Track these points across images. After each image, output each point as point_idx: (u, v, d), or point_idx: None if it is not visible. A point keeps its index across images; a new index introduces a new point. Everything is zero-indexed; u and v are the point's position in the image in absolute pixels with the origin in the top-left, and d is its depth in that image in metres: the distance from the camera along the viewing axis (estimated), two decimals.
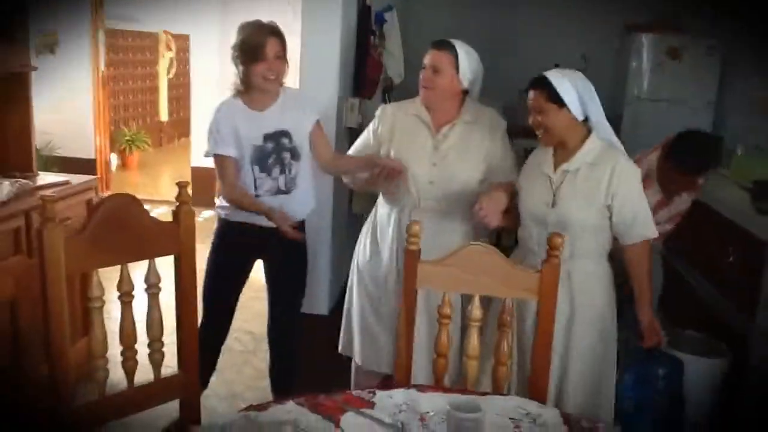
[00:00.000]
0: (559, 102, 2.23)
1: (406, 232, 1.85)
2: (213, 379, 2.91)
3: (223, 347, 2.95)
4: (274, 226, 2.58)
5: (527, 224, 2.37)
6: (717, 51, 5.32)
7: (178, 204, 1.90)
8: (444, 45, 2.55)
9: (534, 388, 1.81)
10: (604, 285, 2.33)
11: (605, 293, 2.33)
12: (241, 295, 2.87)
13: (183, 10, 7.79)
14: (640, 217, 2.26)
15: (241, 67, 2.57)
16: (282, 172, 2.64)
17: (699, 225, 3.82)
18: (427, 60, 2.53)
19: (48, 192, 2.81)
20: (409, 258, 1.83)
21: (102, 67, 6.81)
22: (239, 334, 3.87)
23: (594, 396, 2.32)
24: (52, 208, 1.65)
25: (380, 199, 2.75)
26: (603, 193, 2.23)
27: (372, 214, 2.80)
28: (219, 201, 2.72)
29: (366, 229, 2.80)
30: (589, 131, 2.30)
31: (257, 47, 2.51)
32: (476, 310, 1.82)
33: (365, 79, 3.42)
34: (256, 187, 2.63)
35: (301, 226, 2.75)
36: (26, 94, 3.10)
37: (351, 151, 2.79)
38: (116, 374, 1.87)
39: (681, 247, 4.19)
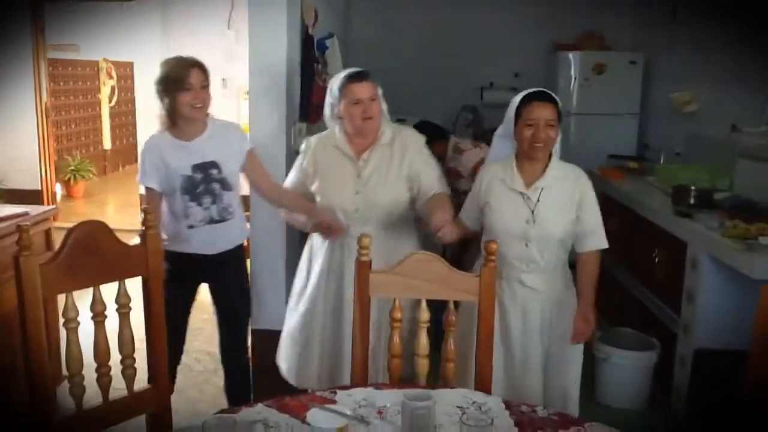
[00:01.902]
0: (560, 119, 2.41)
1: (358, 244, 2.01)
2: (176, 398, 3.01)
3: (184, 367, 3.06)
4: (211, 253, 2.75)
5: (504, 240, 2.40)
6: (639, 63, 5.68)
7: (144, 228, 2.04)
8: (366, 75, 2.65)
9: (480, 380, 2.00)
10: (571, 288, 2.54)
11: (573, 296, 2.53)
12: (191, 317, 2.96)
13: (124, 38, 7.88)
14: (598, 228, 2.47)
15: (166, 100, 2.66)
16: (213, 202, 2.74)
17: (629, 230, 4.11)
18: (359, 93, 2.59)
19: (7, 223, 2.91)
20: (361, 268, 2.00)
21: (45, 97, 6.82)
22: (199, 355, 3.98)
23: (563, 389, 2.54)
24: (28, 236, 1.77)
25: None
26: (573, 205, 2.42)
27: (309, 241, 2.89)
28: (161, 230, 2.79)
29: (304, 254, 2.90)
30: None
31: (182, 78, 2.62)
32: (424, 313, 2.00)
33: (311, 105, 3.60)
34: (187, 216, 2.73)
35: (239, 250, 2.89)
36: None
37: (287, 184, 2.88)
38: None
39: (614, 251, 4.48)
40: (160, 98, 2.69)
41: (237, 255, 2.90)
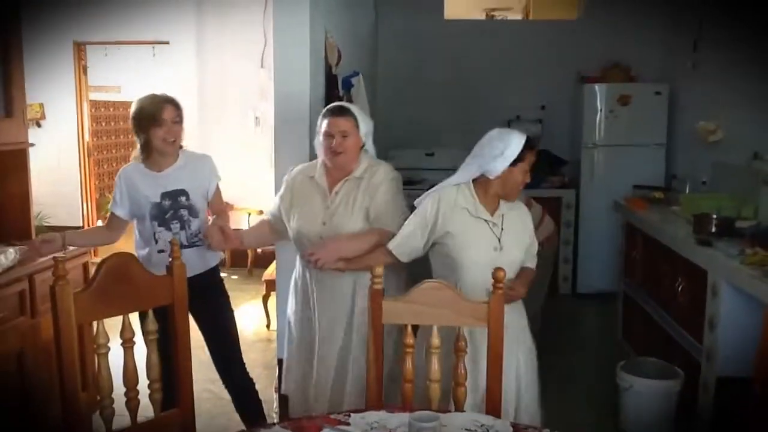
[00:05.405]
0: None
1: (371, 273, 2.10)
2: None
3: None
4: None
5: (471, 270, 2.44)
6: (664, 94, 5.73)
7: (171, 259, 2.16)
8: (345, 111, 2.72)
9: (489, 404, 2.06)
10: (523, 310, 2.61)
11: (526, 327, 2.61)
12: None
13: (161, 79, 8.18)
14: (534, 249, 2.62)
15: (141, 135, 2.82)
16: (182, 228, 2.88)
17: (653, 259, 4.13)
18: (331, 128, 2.65)
19: (48, 257, 3.06)
20: (375, 296, 2.09)
21: (87, 138, 7.12)
22: None
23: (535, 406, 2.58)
24: (63, 267, 1.90)
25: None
26: (526, 231, 2.56)
27: (294, 269, 2.97)
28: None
29: (291, 281, 2.98)
30: None
31: (155, 113, 2.78)
32: (435, 339, 2.08)
33: None
34: (156, 241, 2.87)
35: (215, 273, 3.02)
36: (24, 168, 3.36)
37: (267, 211, 2.98)
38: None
39: (640, 280, 4.50)
40: (136, 133, 2.86)
41: (214, 278, 3.01)
